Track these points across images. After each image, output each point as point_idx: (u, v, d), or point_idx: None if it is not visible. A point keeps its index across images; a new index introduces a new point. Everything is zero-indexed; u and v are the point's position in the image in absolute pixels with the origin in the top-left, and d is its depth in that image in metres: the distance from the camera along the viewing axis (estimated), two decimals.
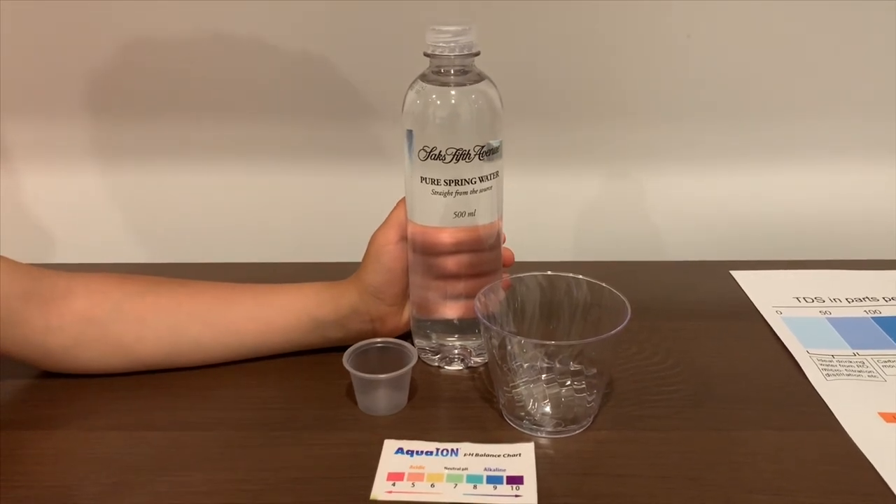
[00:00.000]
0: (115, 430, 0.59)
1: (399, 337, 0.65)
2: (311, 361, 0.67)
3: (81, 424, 0.59)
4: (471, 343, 0.66)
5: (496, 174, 0.62)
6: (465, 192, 0.61)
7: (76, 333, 0.61)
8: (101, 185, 0.92)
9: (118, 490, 0.53)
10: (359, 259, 0.66)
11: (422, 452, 0.55)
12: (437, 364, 0.66)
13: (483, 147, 0.60)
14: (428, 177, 0.60)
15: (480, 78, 0.61)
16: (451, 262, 0.62)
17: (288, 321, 0.65)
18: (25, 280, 0.61)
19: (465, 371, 0.66)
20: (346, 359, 0.60)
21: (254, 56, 0.85)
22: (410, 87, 0.61)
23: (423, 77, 0.61)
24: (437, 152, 0.59)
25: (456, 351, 0.66)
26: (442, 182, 0.60)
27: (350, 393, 0.61)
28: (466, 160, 0.60)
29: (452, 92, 0.60)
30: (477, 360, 0.66)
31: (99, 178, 0.92)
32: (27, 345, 0.61)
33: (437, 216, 0.61)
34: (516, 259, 0.66)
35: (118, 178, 0.91)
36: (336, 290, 0.66)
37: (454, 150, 0.59)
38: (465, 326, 0.65)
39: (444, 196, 0.61)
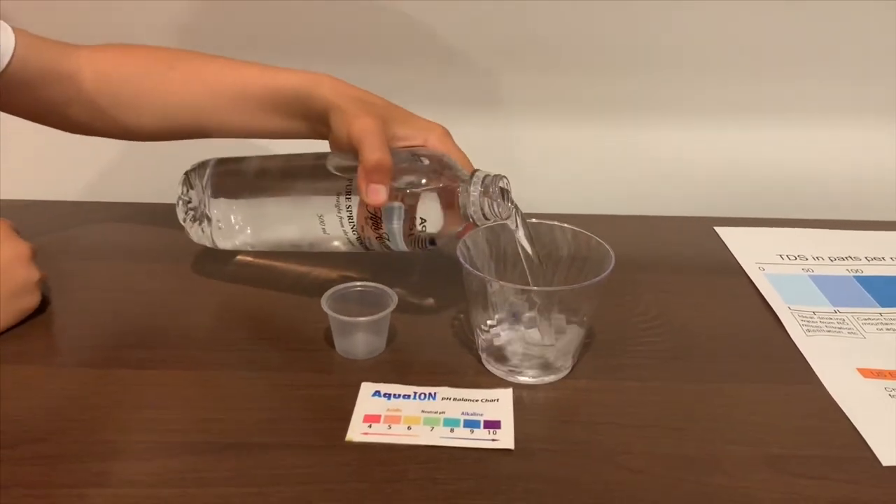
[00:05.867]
0: (85, 367, 0.58)
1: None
2: (290, 304, 0.66)
3: (50, 361, 0.58)
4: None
5: None
6: None
7: (90, 109, 0.66)
8: None
9: (86, 427, 0.51)
10: None
11: (399, 396, 0.55)
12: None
13: None
14: None
15: None
16: None
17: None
18: (48, 53, 0.64)
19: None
20: (324, 301, 0.59)
21: None
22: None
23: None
24: None
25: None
26: None
27: (328, 336, 0.60)
28: None
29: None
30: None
31: None
32: (50, 113, 0.67)
33: None
34: None
35: None
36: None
37: None
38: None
39: None
